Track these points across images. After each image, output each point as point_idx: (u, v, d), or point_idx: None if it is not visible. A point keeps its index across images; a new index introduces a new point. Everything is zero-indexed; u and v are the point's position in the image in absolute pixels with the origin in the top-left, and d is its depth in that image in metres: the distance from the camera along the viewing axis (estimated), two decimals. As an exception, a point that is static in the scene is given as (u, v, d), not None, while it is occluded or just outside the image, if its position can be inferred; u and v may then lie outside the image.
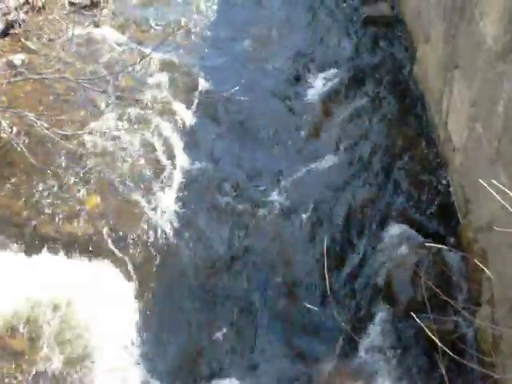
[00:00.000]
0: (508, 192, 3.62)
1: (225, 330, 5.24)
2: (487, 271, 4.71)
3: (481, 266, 4.46)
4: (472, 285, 5.20)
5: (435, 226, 5.76)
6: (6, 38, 7.06)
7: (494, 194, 3.78)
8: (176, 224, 5.79)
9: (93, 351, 5.11)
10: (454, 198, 5.88)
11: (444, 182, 6.02)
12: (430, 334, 3.84)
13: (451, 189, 5.95)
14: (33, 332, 5.15)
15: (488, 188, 3.82)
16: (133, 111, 6.53)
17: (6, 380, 4.92)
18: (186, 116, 6.62)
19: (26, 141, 6.17)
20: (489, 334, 4.78)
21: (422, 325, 4.93)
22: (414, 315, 5.18)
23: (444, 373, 4.26)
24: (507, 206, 3.75)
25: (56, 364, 5.02)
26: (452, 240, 5.61)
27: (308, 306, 4.77)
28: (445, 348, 3.84)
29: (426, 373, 4.94)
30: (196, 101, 6.66)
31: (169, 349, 5.24)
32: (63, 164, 6.08)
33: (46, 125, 6.08)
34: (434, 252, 5.45)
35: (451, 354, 4.01)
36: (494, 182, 3.88)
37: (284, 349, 5.18)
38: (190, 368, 5.15)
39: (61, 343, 5.12)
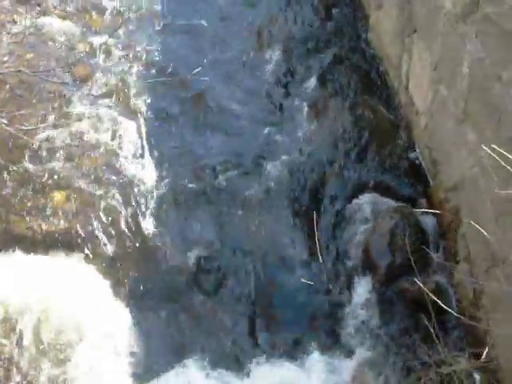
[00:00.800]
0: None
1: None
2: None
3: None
4: (448, 243, 5.34)
5: (405, 190, 5.86)
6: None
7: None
8: (148, 216, 5.72)
9: (74, 347, 5.06)
10: (422, 160, 5.99)
11: (409, 145, 6.12)
12: (426, 291, 3.90)
13: (417, 151, 6.06)
14: (11, 333, 5.07)
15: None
16: (93, 101, 6.40)
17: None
18: (149, 101, 6.51)
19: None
20: (469, 290, 4.92)
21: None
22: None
23: (433, 330, 4.41)
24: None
25: (40, 364, 4.96)
26: (423, 202, 5.73)
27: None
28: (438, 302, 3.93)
29: (411, 333, 5.07)
30: (156, 84, 6.53)
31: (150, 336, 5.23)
32: (27, 160, 5.92)
33: (5, 121, 5.90)
34: (408, 215, 5.57)
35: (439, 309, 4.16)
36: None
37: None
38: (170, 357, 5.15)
39: (39, 342, 5.05)
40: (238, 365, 4.99)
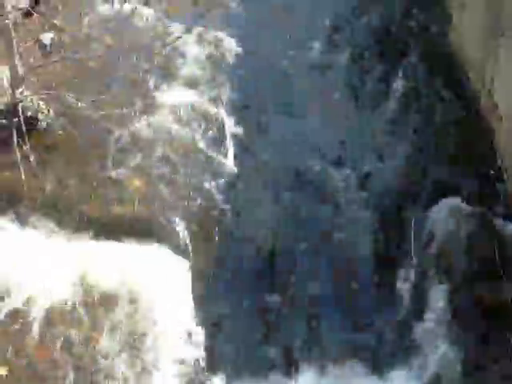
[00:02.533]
0: None
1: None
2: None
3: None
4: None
5: (485, 195, 5.76)
6: (32, 17, 6.85)
7: None
8: (226, 204, 5.74)
9: (153, 331, 5.11)
10: (501, 165, 5.87)
11: (490, 150, 6.00)
12: None
13: (498, 157, 5.93)
14: (89, 317, 5.14)
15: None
16: (175, 88, 6.41)
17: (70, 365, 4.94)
18: (232, 90, 6.51)
19: (66, 123, 6.04)
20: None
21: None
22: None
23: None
24: None
25: (117, 346, 5.03)
26: (501, 208, 5.63)
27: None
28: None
29: (488, 344, 4.98)
30: (240, 73, 6.57)
31: (226, 321, 5.27)
32: (105, 146, 5.97)
33: (85, 105, 5.98)
34: (487, 221, 5.48)
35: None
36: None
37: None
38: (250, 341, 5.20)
39: (119, 326, 5.12)
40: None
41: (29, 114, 6.00)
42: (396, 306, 5.25)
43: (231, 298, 5.35)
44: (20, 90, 5.96)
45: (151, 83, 6.46)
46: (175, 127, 6.10)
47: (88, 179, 5.79)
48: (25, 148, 5.78)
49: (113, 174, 5.82)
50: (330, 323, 5.24)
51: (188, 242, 5.52)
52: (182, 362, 4.99)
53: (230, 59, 6.80)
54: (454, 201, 5.65)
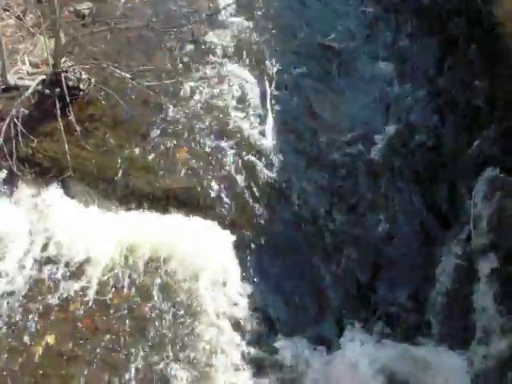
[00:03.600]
0: None
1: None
2: None
3: None
4: None
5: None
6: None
7: None
8: (269, 173, 5.73)
9: (198, 297, 5.14)
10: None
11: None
12: None
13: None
14: (136, 285, 5.16)
15: None
16: (216, 60, 6.37)
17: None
18: (275, 64, 6.44)
19: (108, 93, 5.99)
20: None
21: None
22: None
23: None
24: None
25: (166, 312, 5.06)
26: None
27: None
28: None
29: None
30: (284, 48, 6.50)
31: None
32: (149, 116, 5.93)
33: (128, 75, 5.94)
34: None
35: None
36: None
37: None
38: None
39: (167, 292, 5.14)
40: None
41: (71, 83, 5.97)
42: (444, 276, 5.23)
43: (277, 270, 5.36)
44: (62, 60, 5.93)
45: (194, 54, 6.41)
46: (217, 98, 6.08)
47: (132, 150, 5.75)
48: (68, 118, 5.77)
49: (157, 144, 5.80)
50: (379, 291, 5.23)
51: (233, 213, 5.51)
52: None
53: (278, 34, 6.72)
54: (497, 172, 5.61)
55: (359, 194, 5.69)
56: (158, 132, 5.86)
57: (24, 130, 5.50)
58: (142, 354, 4.83)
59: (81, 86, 6.07)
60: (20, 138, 5.47)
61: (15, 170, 5.45)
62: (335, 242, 5.41)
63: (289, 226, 5.56)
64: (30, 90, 5.78)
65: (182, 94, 6.10)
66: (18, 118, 5.55)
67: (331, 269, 5.28)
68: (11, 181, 5.55)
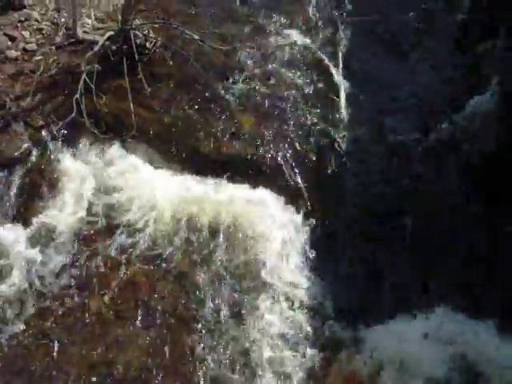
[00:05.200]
0: None
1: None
2: None
3: None
4: None
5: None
6: None
7: None
8: (339, 148, 5.60)
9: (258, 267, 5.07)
10: None
11: None
12: None
13: None
14: (196, 249, 5.08)
15: None
16: (290, 33, 6.25)
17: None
18: (349, 43, 6.32)
19: (173, 53, 5.92)
20: None
21: None
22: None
23: None
24: None
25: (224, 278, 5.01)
26: None
27: None
28: None
29: None
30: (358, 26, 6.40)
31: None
32: (215, 80, 5.82)
33: (197, 37, 5.86)
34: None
35: None
36: None
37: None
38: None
39: (227, 257, 5.07)
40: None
41: (138, 41, 5.89)
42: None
43: (343, 250, 5.24)
44: (131, 17, 5.84)
45: (265, 22, 6.30)
46: (289, 70, 5.96)
47: (197, 113, 5.65)
48: (134, 76, 5.71)
49: (223, 109, 5.69)
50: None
51: (300, 188, 5.38)
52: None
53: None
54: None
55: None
56: (225, 97, 5.74)
57: (93, 86, 5.46)
58: (201, 321, 4.78)
59: (147, 45, 6.00)
60: (90, 94, 5.43)
61: (88, 124, 5.37)
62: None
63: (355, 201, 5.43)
64: (98, 45, 5.72)
65: (249, 61, 5.99)
66: (86, 73, 5.50)
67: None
68: (76, 135, 5.48)
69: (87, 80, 5.45)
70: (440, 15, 6.71)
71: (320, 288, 4.99)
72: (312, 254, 5.12)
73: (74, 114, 5.32)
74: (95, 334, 4.70)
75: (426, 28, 6.54)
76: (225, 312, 4.85)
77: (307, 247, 5.15)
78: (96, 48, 5.67)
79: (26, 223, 5.10)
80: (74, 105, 5.33)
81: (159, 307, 4.83)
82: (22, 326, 4.68)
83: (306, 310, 4.90)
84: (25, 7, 6.25)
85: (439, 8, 6.79)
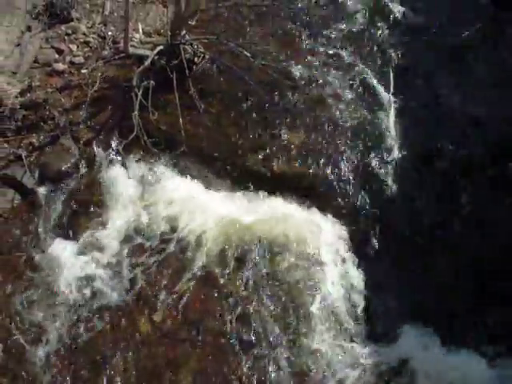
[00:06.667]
0: None
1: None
2: None
3: None
4: None
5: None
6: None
7: None
8: (387, 173, 5.51)
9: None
10: None
11: None
12: None
13: None
14: (250, 266, 5.01)
15: None
16: (334, 46, 6.21)
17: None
18: (396, 55, 6.27)
19: (221, 69, 5.86)
20: None
21: None
22: None
23: None
24: None
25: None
26: None
27: None
28: None
29: None
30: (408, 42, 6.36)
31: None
32: (264, 96, 5.70)
33: (248, 53, 5.79)
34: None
35: None
36: None
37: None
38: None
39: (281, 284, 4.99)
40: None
41: (187, 56, 5.83)
42: None
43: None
44: (181, 32, 5.78)
45: (315, 41, 6.23)
46: (338, 87, 5.91)
47: (246, 130, 5.58)
48: (184, 92, 5.64)
49: (272, 127, 5.62)
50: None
51: (350, 205, 5.31)
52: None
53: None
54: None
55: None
56: (273, 114, 5.68)
57: (144, 101, 5.39)
58: (256, 345, 4.69)
59: (195, 60, 5.94)
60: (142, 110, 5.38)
61: (146, 142, 5.29)
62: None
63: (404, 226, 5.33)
64: (148, 60, 5.65)
65: (297, 78, 5.91)
66: (138, 88, 5.44)
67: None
68: (125, 150, 5.40)
69: (139, 95, 5.37)
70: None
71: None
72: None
73: (135, 133, 5.24)
74: (144, 354, 4.60)
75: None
76: (276, 336, 4.74)
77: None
78: (147, 63, 5.59)
79: (74, 238, 5.02)
80: (134, 121, 5.24)
81: (209, 327, 4.73)
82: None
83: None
84: (72, 20, 6.19)
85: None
